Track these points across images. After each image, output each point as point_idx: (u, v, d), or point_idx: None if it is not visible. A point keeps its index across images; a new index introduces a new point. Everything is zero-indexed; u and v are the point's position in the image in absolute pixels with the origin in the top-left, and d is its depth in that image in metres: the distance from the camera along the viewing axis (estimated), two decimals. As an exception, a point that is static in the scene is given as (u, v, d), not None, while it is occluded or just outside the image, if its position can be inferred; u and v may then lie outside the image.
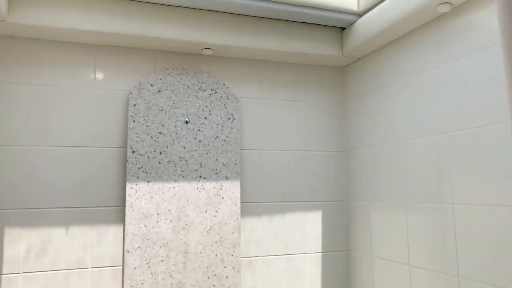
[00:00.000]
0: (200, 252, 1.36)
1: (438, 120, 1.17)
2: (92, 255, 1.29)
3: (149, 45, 1.38)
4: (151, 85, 1.39)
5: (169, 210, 1.35)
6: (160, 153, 1.37)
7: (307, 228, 1.54)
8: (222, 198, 1.41)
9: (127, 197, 1.31)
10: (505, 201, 0.97)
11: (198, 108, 1.43)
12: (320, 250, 1.54)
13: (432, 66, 1.21)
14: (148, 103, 1.37)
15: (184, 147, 1.39)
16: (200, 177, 1.40)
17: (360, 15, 1.42)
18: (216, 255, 1.38)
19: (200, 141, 1.42)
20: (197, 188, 1.39)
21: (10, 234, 1.22)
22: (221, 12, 1.36)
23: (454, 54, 1.13)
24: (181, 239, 1.35)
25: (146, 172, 1.34)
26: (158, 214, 1.33)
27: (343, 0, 1.38)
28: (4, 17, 1.12)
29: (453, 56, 1.13)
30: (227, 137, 1.45)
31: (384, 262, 1.38)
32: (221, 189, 1.41)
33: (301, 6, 1.34)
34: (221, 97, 1.46)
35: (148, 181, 1.34)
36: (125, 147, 1.37)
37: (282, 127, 1.56)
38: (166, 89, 1.40)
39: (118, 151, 1.36)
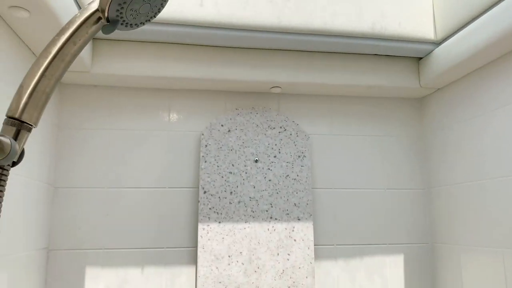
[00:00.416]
0: (272, 298, 1.30)
1: (541, 156, 1.02)
2: (165, 297, 1.29)
3: (220, 87, 1.40)
4: (222, 125, 1.40)
5: (240, 252, 1.32)
6: (231, 193, 1.36)
7: (387, 273, 1.41)
8: (294, 240, 1.35)
9: (199, 238, 1.31)
10: None
11: (268, 147, 1.41)
12: (403, 299, 1.40)
13: (529, 95, 1.07)
14: (218, 143, 1.38)
15: (254, 187, 1.37)
16: (271, 217, 1.36)
17: (437, 43, 1.32)
18: (289, 301, 1.31)
19: (270, 180, 1.38)
20: (268, 229, 1.35)
21: (91, 273, 1.27)
22: (288, 50, 1.35)
23: (556, 81, 0.99)
24: (252, 283, 1.30)
25: (217, 213, 1.33)
26: (229, 256, 1.31)
27: (419, 29, 1.30)
28: (88, 69, 1.21)
29: (555, 84, 1.00)
30: (297, 175, 1.40)
31: (481, 317, 1.21)
32: (292, 230, 1.36)
33: (373, 38, 1.29)
34: (291, 134, 1.43)
35: (219, 222, 1.33)
36: (197, 187, 1.38)
37: (357, 164, 1.48)
38: (236, 129, 1.41)
39: (190, 191, 1.37)
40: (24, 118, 0.66)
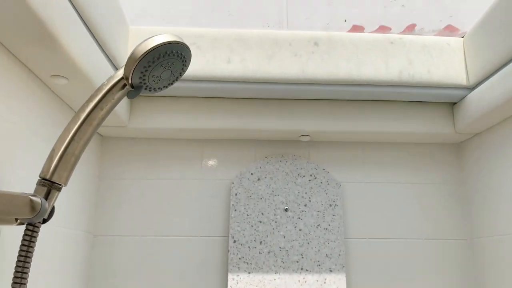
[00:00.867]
0: None
1: None
2: None
3: (249, 136, 1.44)
4: (251, 173, 1.42)
5: (270, 305, 1.29)
6: (260, 242, 1.35)
7: (429, 333, 1.31)
8: (326, 293, 1.30)
9: (228, 289, 1.30)
10: None
11: (298, 195, 1.40)
12: None
13: None
14: (248, 192, 1.40)
15: (284, 237, 1.36)
16: (302, 269, 1.32)
17: (471, 88, 1.29)
18: None
19: (300, 230, 1.37)
20: (299, 281, 1.31)
21: (123, 322, 1.29)
22: (316, 99, 1.37)
23: None
24: (283, 338, 1.26)
25: (247, 263, 1.33)
26: (258, 308, 1.28)
27: (449, 75, 1.28)
28: (126, 123, 1.30)
29: None
30: (329, 225, 1.37)
31: None
32: (324, 282, 1.31)
33: (401, 86, 1.28)
34: (321, 182, 1.42)
35: (249, 272, 1.32)
36: (227, 236, 1.39)
37: (392, 212, 1.43)
38: (265, 177, 1.42)
39: (220, 240, 1.38)
40: (55, 179, 0.71)
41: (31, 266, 0.76)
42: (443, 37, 1.34)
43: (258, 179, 1.42)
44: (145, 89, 0.78)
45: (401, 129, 1.37)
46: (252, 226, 1.37)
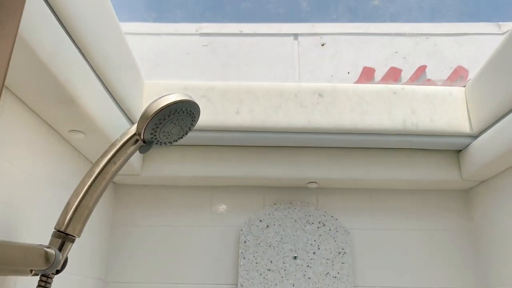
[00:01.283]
0: None
1: None
2: None
3: (258, 183, 1.47)
4: (260, 220, 1.44)
5: None
6: (269, 291, 1.34)
7: None
8: None
9: None
10: None
11: (306, 243, 1.40)
12: None
13: None
14: (257, 239, 1.41)
15: (293, 285, 1.35)
16: (311, 319, 1.30)
17: (474, 136, 1.31)
18: None
19: (309, 278, 1.36)
20: (309, 332, 1.29)
21: None
22: (322, 147, 1.40)
23: None
24: None
25: (256, 312, 1.31)
26: None
27: (453, 123, 1.31)
28: (139, 172, 1.35)
29: None
30: (338, 273, 1.36)
31: None
32: (335, 334, 1.28)
33: (405, 135, 1.31)
34: (330, 229, 1.42)
35: (258, 322, 1.30)
36: (236, 284, 1.38)
37: (402, 260, 1.41)
38: (274, 224, 1.43)
39: (229, 288, 1.38)
40: (69, 231, 0.75)
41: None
42: (445, 87, 1.38)
43: (267, 226, 1.43)
44: (156, 143, 0.83)
45: (409, 176, 1.39)
46: (261, 274, 1.36)
